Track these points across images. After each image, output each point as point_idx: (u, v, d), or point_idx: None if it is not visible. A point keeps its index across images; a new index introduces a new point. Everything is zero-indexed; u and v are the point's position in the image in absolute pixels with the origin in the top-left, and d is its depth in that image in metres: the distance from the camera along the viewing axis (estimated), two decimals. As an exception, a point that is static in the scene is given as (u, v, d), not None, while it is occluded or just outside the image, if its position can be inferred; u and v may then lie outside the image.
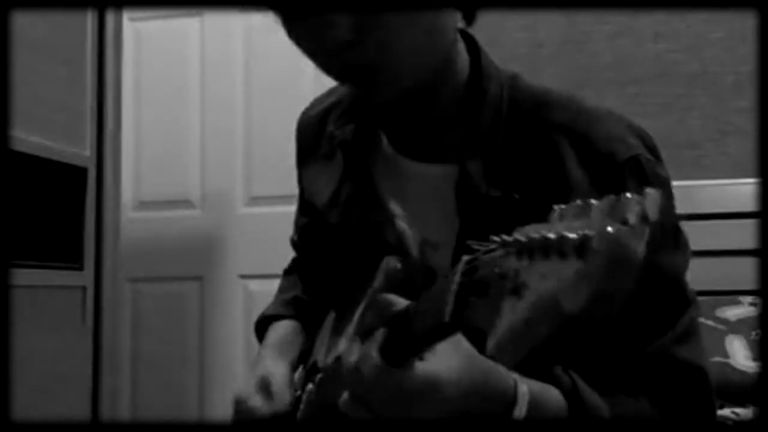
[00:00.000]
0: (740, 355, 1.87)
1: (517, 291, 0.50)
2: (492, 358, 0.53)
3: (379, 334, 0.72)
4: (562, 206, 0.51)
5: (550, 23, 2.43)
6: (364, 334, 0.75)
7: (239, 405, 1.03)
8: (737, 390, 1.81)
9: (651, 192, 0.45)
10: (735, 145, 2.28)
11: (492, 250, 0.56)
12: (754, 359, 1.86)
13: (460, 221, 0.90)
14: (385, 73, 0.82)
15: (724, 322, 1.93)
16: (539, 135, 0.89)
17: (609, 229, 0.44)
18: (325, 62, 0.85)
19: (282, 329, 1.15)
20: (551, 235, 0.46)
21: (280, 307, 1.19)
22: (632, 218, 0.45)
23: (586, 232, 0.44)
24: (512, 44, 2.42)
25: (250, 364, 1.13)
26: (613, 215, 0.45)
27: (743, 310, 1.96)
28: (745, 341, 1.89)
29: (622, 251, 0.44)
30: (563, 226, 0.47)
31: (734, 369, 1.85)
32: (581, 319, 0.45)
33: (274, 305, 1.20)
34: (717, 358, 1.86)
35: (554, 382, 0.80)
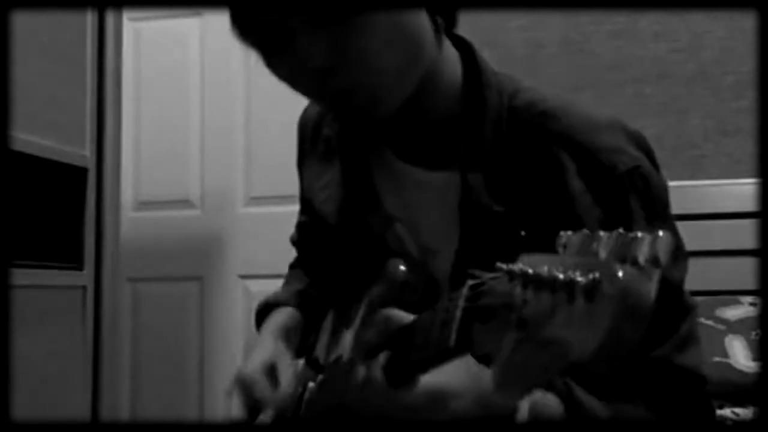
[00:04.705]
0: (740, 355, 1.87)
1: (521, 324, 0.48)
2: (494, 391, 0.52)
3: (382, 357, 0.72)
4: (569, 233, 0.49)
5: (549, 24, 2.43)
6: (365, 350, 0.75)
7: (244, 387, 1.00)
8: (737, 390, 1.81)
9: (663, 234, 0.43)
10: (735, 145, 2.28)
11: (497, 278, 0.55)
12: (754, 359, 1.86)
13: (461, 233, 0.90)
14: (366, 95, 0.82)
15: (724, 322, 1.93)
16: (539, 146, 0.88)
17: (619, 273, 0.42)
18: (304, 89, 0.85)
19: (285, 316, 1.13)
20: (560, 276, 0.44)
21: (283, 296, 1.18)
22: (642, 260, 0.42)
23: (596, 275, 0.42)
24: (511, 45, 2.42)
25: (248, 345, 1.13)
26: (622, 253, 0.43)
27: (743, 310, 1.96)
28: (745, 341, 1.89)
29: (633, 297, 0.41)
30: (571, 263, 0.45)
31: (734, 369, 1.85)
32: (590, 365, 0.43)
33: (278, 293, 1.19)
34: (717, 358, 1.86)
35: (547, 386, 0.80)
